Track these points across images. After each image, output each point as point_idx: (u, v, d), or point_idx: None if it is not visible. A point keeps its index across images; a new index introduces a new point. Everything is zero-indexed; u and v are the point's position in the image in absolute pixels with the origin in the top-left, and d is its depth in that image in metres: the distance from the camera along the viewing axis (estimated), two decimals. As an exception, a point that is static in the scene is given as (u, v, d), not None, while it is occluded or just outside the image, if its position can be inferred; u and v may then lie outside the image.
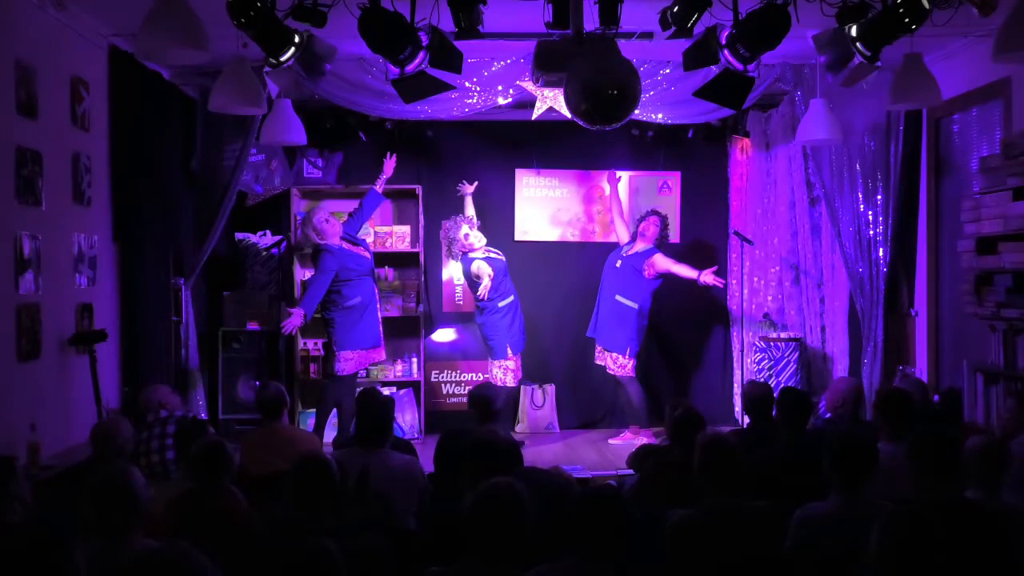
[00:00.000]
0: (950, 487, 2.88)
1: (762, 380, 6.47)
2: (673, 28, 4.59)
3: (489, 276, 6.68)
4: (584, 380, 7.71)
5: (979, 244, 5.58)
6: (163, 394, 5.00)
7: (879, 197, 6.84)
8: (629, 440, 6.92)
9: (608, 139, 6.55)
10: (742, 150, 7.74)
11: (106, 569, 2.56)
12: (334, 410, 6.71)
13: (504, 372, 6.84)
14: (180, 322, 6.43)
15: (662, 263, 6.91)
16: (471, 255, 6.82)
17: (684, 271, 6.90)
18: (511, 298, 6.88)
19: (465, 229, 6.83)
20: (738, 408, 7.46)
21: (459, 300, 7.72)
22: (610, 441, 7.09)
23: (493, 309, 6.80)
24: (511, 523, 2.69)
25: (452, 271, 7.65)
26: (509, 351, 6.83)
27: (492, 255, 6.88)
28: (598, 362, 7.14)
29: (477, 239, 6.83)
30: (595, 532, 2.71)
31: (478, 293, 6.72)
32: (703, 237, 7.84)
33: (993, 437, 3.86)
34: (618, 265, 7.04)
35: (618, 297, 6.96)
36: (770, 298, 7.55)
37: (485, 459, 3.49)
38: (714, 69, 4.98)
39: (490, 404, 4.89)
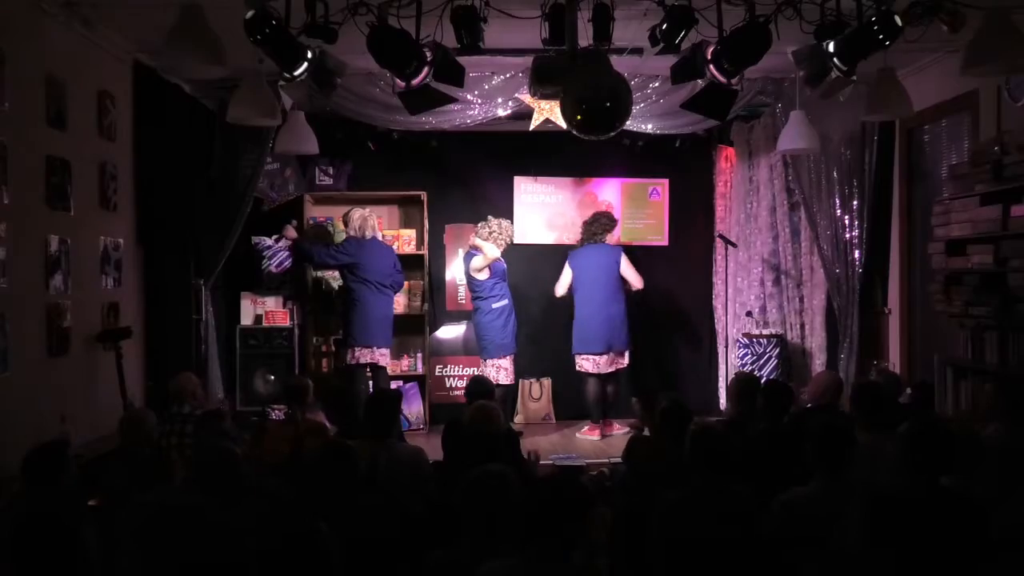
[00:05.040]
0: (928, 475, 2.88)
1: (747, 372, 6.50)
2: (661, 44, 4.58)
3: (489, 257, 6.69)
4: (578, 374, 7.69)
5: (948, 246, 5.59)
6: (193, 385, 4.99)
7: (855, 202, 6.85)
8: (613, 432, 6.94)
9: (601, 148, 6.52)
10: (726, 158, 7.74)
11: None
12: None
13: (497, 371, 6.82)
14: (201, 320, 6.42)
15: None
16: (473, 251, 6.85)
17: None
18: (506, 302, 6.87)
19: (486, 236, 6.87)
20: (723, 400, 7.47)
21: (461, 299, 7.72)
22: (579, 434, 7.04)
23: (487, 310, 6.81)
24: (498, 506, 2.69)
25: (455, 271, 7.65)
26: (500, 352, 6.82)
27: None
28: (612, 369, 6.91)
29: (489, 250, 6.79)
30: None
31: (472, 265, 6.72)
32: (690, 240, 7.84)
33: (972, 427, 3.86)
34: (599, 270, 6.95)
35: (612, 301, 6.93)
36: (753, 297, 7.55)
37: (482, 447, 3.50)
38: (700, 82, 4.98)
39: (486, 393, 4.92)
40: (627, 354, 6.97)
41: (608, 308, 6.86)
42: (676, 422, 3.99)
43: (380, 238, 6.98)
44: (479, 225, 7.01)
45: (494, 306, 6.81)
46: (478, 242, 6.88)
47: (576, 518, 2.55)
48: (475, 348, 7.48)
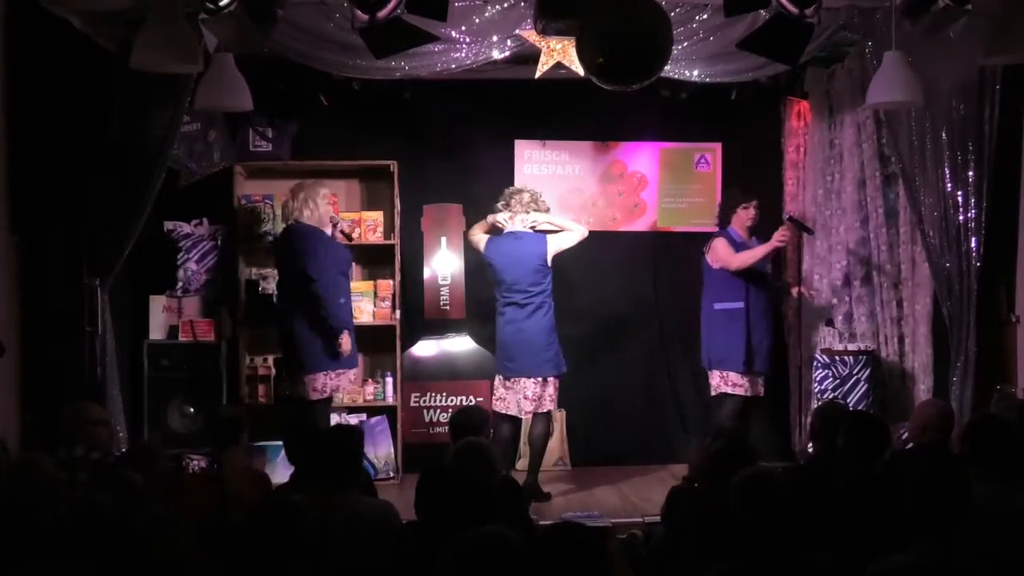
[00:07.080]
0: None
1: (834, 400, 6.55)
2: (712, -38, 4.61)
3: (579, 235, 6.81)
4: (604, 404, 7.71)
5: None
6: (93, 420, 4.98)
7: (971, 174, 6.84)
8: None
9: (631, 103, 6.54)
10: (799, 115, 7.76)
11: None
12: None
13: (553, 391, 6.79)
14: (96, 333, 6.42)
15: (720, 250, 6.97)
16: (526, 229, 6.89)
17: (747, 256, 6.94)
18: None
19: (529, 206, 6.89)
20: (796, 438, 7.48)
21: (444, 304, 7.69)
22: None
23: (550, 309, 6.79)
24: None
25: (436, 267, 7.64)
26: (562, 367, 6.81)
27: None
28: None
29: (575, 227, 6.93)
30: None
31: (561, 243, 6.79)
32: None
33: None
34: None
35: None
36: (835, 300, 7.56)
37: (472, 501, 3.52)
38: (764, 14, 4.99)
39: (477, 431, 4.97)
40: (714, 375, 7.00)
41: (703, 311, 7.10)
42: (732, 468, 3.99)
43: (309, 221, 6.61)
44: (501, 203, 6.92)
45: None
46: (544, 218, 6.88)
47: None
48: (464, 370, 7.51)
